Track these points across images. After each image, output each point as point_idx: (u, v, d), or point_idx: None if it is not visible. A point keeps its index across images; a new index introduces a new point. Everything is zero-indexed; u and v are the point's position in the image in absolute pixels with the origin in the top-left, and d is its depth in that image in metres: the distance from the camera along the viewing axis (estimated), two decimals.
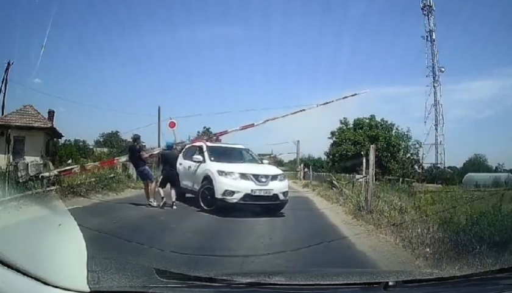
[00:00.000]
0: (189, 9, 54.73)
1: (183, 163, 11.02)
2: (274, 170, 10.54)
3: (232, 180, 9.15)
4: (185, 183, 10.65)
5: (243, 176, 9.24)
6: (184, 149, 11.96)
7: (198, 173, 10.07)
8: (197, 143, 11.84)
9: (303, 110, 15.34)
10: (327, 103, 16.31)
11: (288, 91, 49.54)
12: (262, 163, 11.15)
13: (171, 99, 50.22)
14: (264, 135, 49.70)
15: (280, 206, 9.60)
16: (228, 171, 9.32)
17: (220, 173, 9.26)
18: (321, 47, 58.28)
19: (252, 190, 9.06)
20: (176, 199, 9.86)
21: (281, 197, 9.50)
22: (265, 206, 9.40)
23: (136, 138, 10.62)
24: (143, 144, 10.93)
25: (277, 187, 9.43)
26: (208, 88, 58.99)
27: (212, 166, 9.68)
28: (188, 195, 10.74)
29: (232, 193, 9.01)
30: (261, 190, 9.16)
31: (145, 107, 61.65)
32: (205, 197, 9.40)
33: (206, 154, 10.31)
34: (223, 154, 10.60)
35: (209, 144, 11.30)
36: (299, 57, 63.72)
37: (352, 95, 16.81)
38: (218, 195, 9.04)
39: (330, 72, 56.28)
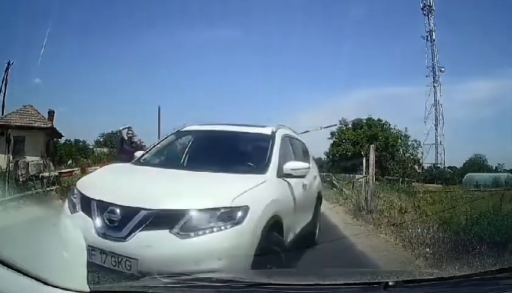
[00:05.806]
0: (189, 10, 54.83)
1: None
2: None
3: None
4: None
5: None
6: None
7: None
8: None
9: (307, 131, 16.11)
10: (328, 127, 20.47)
11: (288, 91, 49.53)
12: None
13: (171, 99, 50.22)
14: None
15: None
16: None
17: None
18: (322, 47, 58.49)
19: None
20: None
21: None
22: None
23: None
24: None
25: None
26: (209, 89, 59.16)
27: None
28: None
29: None
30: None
31: (146, 107, 61.56)
32: None
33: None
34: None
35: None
36: (299, 57, 63.89)
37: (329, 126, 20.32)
38: None
39: (330, 72, 56.55)
